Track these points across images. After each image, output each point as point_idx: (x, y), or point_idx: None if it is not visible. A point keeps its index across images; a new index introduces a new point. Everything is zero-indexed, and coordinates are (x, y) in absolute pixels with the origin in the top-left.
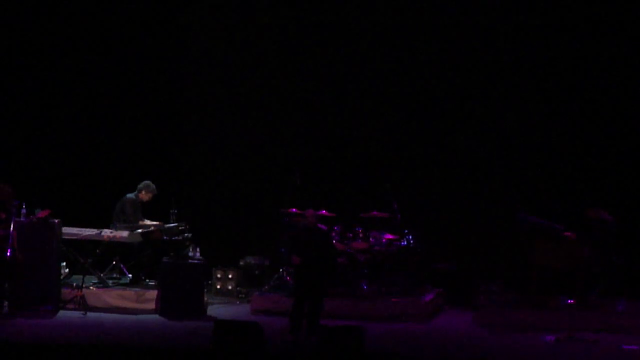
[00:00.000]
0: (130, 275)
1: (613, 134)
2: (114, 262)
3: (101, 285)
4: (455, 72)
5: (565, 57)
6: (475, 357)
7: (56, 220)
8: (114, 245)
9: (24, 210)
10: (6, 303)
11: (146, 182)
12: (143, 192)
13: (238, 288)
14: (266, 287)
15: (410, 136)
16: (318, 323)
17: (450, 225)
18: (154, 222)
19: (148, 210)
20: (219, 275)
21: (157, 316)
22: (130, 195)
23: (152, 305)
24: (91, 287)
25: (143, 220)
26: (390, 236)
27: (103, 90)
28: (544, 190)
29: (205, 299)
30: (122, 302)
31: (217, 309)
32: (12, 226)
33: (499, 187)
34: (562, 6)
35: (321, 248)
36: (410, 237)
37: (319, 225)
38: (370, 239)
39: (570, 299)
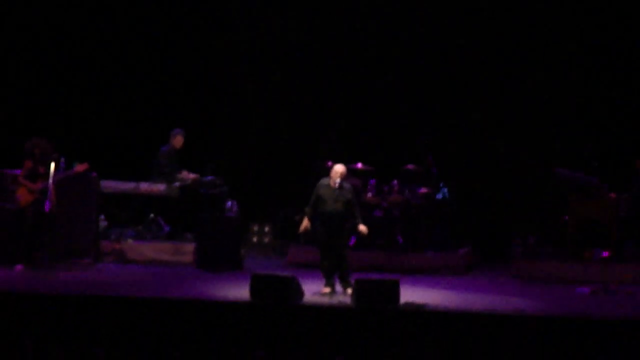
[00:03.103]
0: (167, 228)
1: None
2: (152, 215)
3: (139, 238)
4: (491, 24)
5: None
6: (510, 309)
7: (94, 174)
8: (151, 199)
9: (62, 164)
10: (45, 255)
11: (173, 130)
12: (171, 140)
13: (274, 241)
14: (302, 240)
15: (446, 89)
16: (348, 276)
17: (486, 179)
18: (191, 175)
19: (185, 164)
20: (255, 229)
21: (194, 269)
22: (163, 148)
23: (189, 258)
24: (129, 240)
25: (180, 171)
26: (425, 190)
27: (139, 41)
28: (581, 144)
29: (242, 252)
30: (160, 254)
31: (253, 262)
32: (50, 180)
33: (536, 140)
34: None
35: (343, 204)
36: (446, 190)
37: (349, 181)
38: (406, 193)
39: (606, 252)
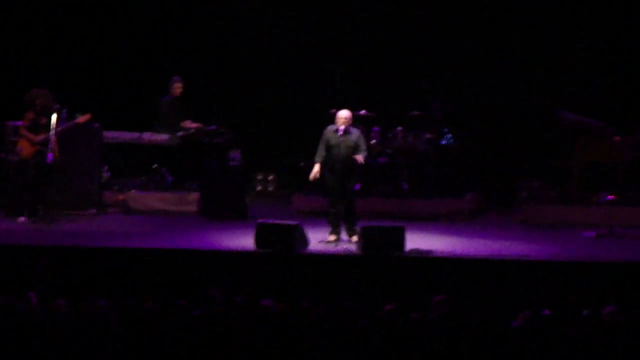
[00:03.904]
0: (171, 178)
1: None
2: (155, 165)
3: (143, 188)
4: None
5: None
6: (515, 255)
7: (96, 125)
8: (154, 149)
9: (64, 115)
10: (48, 207)
11: (170, 78)
12: (170, 89)
13: (279, 190)
14: (307, 187)
15: (449, 33)
16: (355, 224)
17: (490, 123)
18: (194, 124)
19: (188, 113)
20: (259, 178)
21: (198, 218)
22: (164, 98)
23: (193, 208)
24: (133, 191)
25: (183, 121)
26: (429, 135)
27: None
28: (586, 86)
29: (246, 200)
30: (164, 204)
31: (258, 211)
32: (52, 131)
33: (540, 83)
34: None
35: (350, 150)
36: (450, 136)
37: (354, 127)
38: (410, 139)
39: (611, 195)
